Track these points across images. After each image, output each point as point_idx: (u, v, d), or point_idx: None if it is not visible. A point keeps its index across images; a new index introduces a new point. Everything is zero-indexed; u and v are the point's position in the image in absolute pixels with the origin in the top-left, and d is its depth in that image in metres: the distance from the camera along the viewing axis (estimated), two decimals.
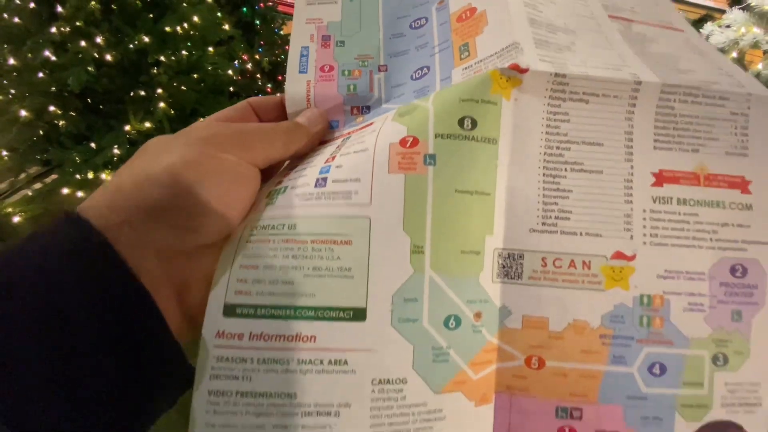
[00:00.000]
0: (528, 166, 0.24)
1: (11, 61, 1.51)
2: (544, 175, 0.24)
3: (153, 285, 0.18)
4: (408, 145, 0.23)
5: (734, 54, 1.95)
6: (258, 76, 2.33)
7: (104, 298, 0.17)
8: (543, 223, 0.23)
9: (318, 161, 0.24)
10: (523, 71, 0.23)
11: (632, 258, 0.22)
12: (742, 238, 0.23)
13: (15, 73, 1.53)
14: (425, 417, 0.20)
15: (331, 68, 0.28)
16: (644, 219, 0.23)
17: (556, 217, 0.23)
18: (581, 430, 0.22)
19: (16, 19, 1.53)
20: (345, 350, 0.20)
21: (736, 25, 1.94)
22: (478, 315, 0.22)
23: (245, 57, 2.17)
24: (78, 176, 1.50)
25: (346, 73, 0.28)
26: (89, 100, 1.65)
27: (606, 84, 0.24)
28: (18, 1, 1.53)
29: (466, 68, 0.26)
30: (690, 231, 0.23)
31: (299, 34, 0.29)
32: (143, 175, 0.19)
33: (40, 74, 1.52)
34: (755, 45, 1.93)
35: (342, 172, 0.23)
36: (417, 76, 0.27)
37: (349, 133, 0.27)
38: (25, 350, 0.15)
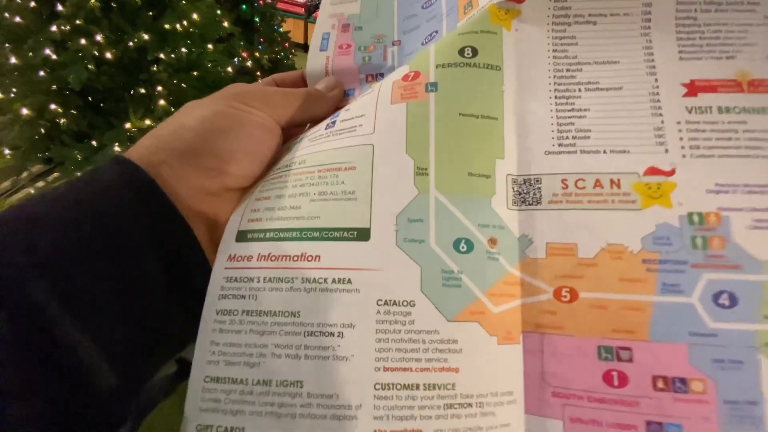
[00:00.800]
0: (537, 90, 0.23)
1: (12, 60, 1.52)
2: (556, 97, 0.23)
3: (189, 218, 0.21)
4: (410, 78, 0.23)
5: None
6: (258, 73, 2.33)
7: (154, 226, 0.20)
8: (559, 144, 0.22)
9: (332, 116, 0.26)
10: (521, 1, 0.23)
11: (671, 173, 0.20)
12: None
13: (16, 72, 1.53)
14: (438, 347, 0.19)
15: (349, 46, 0.30)
16: (680, 131, 0.21)
17: (574, 137, 0.21)
18: (634, 375, 0.18)
19: (17, 19, 1.54)
20: (349, 269, 0.20)
21: None
22: (492, 241, 0.20)
23: (245, 54, 2.17)
24: (80, 174, 1.51)
25: (363, 48, 0.30)
26: (90, 98, 1.66)
27: (612, 2, 0.23)
28: (19, 0, 1.54)
29: (469, 18, 0.26)
30: (740, 140, 0.20)
31: (322, 24, 0.32)
32: (178, 125, 0.22)
33: (41, 73, 1.53)
34: None
35: (349, 113, 0.24)
36: (426, 41, 0.28)
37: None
38: (92, 267, 0.18)
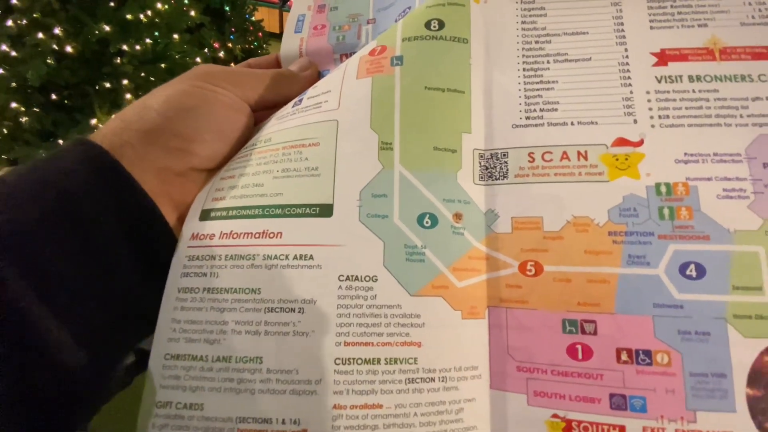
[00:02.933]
0: (505, 63, 0.23)
1: None
2: (524, 69, 0.22)
3: (156, 199, 0.20)
4: (376, 53, 0.23)
5: None
6: (232, 65, 2.28)
7: (118, 204, 0.19)
8: (527, 117, 0.21)
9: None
10: None
11: (639, 143, 0.20)
12: None
13: None
14: (400, 321, 0.18)
15: (324, 26, 0.30)
16: (649, 101, 0.20)
17: (542, 110, 0.21)
18: (598, 347, 0.18)
19: None
20: (311, 245, 0.19)
21: None
22: (458, 216, 0.20)
23: (217, 45, 2.12)
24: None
25: (337, 28, 0.29)
26: (53, 95, 1.60)
27: None
28: None
29: None
30: (711, 109, 0.20)
31: (298, 6, 0.31)
32: (142, 106, 0.22)
33: (1, 70, 1.47)
34: None
35: (316, 90, 0.24)
36: (400, 17, 0.28)
37: None
38: (56, 244, 0.18)
